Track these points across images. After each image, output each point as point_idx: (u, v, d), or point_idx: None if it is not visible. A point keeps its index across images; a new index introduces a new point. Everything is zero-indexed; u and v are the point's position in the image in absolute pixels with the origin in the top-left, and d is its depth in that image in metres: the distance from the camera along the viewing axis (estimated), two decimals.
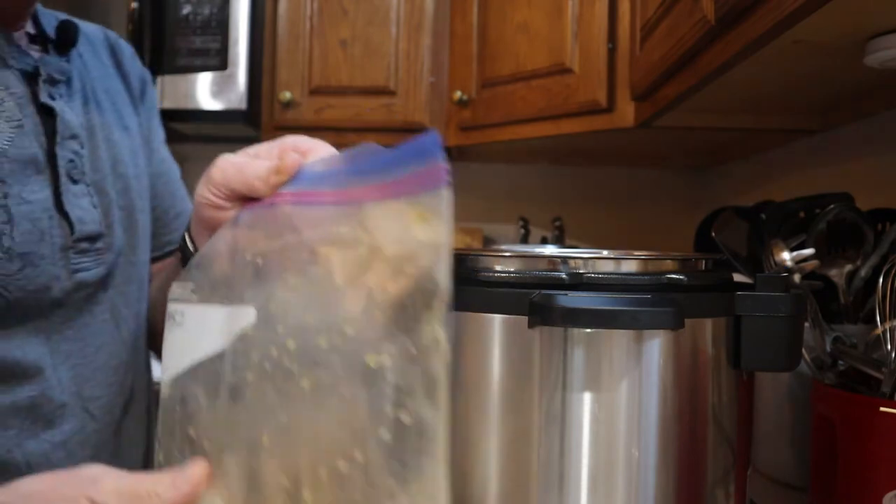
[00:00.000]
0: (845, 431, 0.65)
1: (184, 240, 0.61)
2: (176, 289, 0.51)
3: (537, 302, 0.50)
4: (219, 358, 0.46)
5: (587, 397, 0.51)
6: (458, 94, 1.77)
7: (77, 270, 0.66)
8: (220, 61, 1.77)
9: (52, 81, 0.68)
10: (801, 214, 0.97)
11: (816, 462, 0.71)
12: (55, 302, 0.64)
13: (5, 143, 0.62)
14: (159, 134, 0.86)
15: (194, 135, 2.06)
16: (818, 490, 0.71)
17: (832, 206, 0.88)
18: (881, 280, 0.71)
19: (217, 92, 1.78)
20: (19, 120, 0.64)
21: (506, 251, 0.58)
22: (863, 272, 0.85)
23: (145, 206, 0.77)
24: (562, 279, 0.52)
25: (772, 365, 0.57)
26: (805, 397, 0.79)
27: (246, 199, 0.52)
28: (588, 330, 0.51)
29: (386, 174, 0.44)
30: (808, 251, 0.82)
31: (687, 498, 0.55)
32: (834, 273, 0.87)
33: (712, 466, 0.56)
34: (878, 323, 0.69)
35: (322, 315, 0.43)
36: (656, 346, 0.53)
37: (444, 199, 0.40)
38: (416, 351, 0.39)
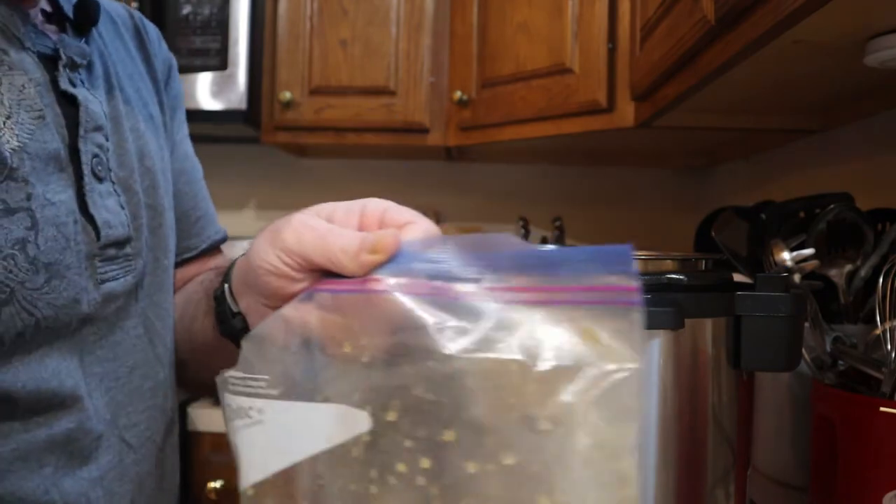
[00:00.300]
0: (845, 431, 0.65)
1: (222, 293, 0.55)
2: (239, 380, 0.44)
3: None
4: (321, 462, 0.40)
5: None
6: (458, 94, 1.77)
7: (104, 280, 0.58)
8: (220, 61, 1.77)
9: (73, 66, 0.61)
10: (801, 214, 0.97)
11: (816, 462, 0.71)
12: (85, 318, 0.56)
13: (26, 136, 0.54)
14: (184, 127, 0.80)
15: (194, 135, 2.06)
16: (818, 490, 0.70)
17: (832, 206, 0.88)
18: (881, 280, 0.71)
19: (217, 92, 1.78)
20: (41, 110, 0.56)
21: None
22: (863, 272, 0.85)
23: (171, 204, 0.71)
24: None
25: (772, 365, 0.57)
26: (805, 397, 0.79)
27: (321, 271, 0.45)
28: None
29: (549, 275, 0.37)
30: (808, 251, 0.82)
31: (687, 498, 0.55)
32: (834, 273, 0.87)
33: (712, 466, 0.56)
34: (878, 323, 0.69)
35: (466, 436, 0.36)
36: (656, 346, 0.53)
37: (636, 321, 0.35)
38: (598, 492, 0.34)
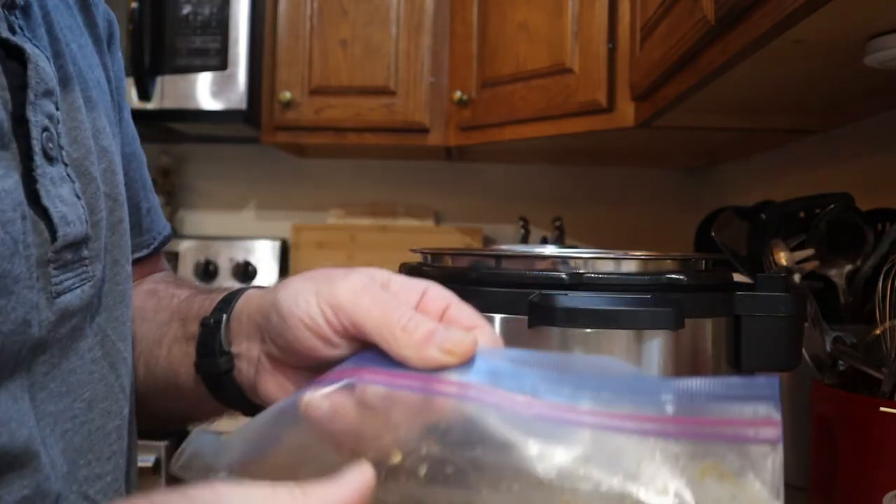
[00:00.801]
0: (845, 431, 0.65)
1: (215, 322, 0.47)
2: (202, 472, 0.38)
3: (537, 302, 0.50)
4: None
5: None
6: (458, 94, 1.77)
7: (59, 293, 0.43)
8: (220, 61, 1.77)
9: (10, 6, 0.45)
10: (801, 214, 0.97)
11: (816, 462, 0.71)
12: (36, 343, 0.41)
13: None
14: (126, 102, 0.63)
15: (194, 135, 2.06)
16: (818, 490, 0.70)
17: (832, 206, 0.88)
18: (881, 280, 0.71)
19: (217, 92, 1.78)
20: None
21: (506, 251, 0.58)
22: (863, 272, 0.85)
23: (124, 193, 0.55)
24: (562, 279, 0.52)
25: (772, 365, 0.57)
26: (805, 397, 0.79)
27: (362, 343, 0.38)
28: (588, 330, 0.51)
29: (652, 402, 0.32)
30: (808, 251, 0.82)
31: None
32: (834, 273, 0.87)
33: None
34: (878, 323, 0.69)
35: None
36: (656, 346, 0.53)
37: (775, 461, 0.31)
38: None
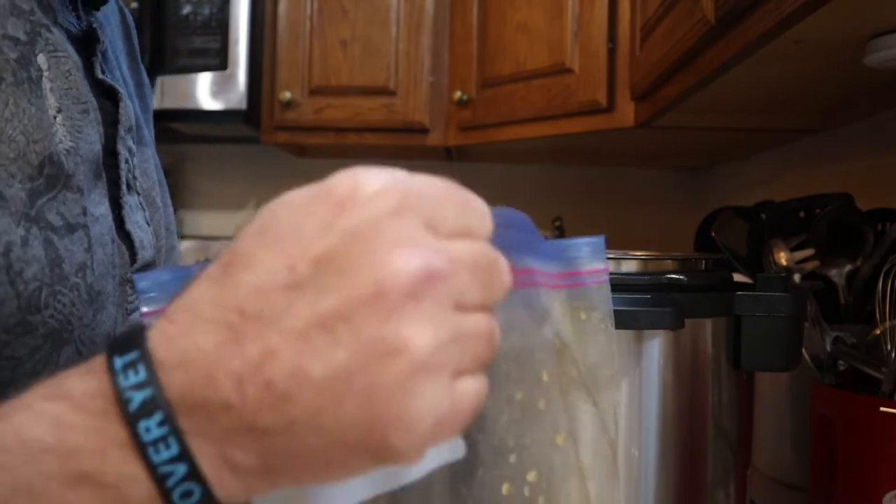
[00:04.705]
0: (845, 431, 0.65)
1: None
2: None
3: None
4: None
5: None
6: (458, 94, 1.77)
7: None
8: (220, 61, 1.77)
9: (104, 51, 0.50)
10: (801, 214, 0.97)
11: (816, 462, 0.71)
12: None
13: (77, 135, 0.44)
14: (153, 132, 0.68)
15: (194, 135, 2.06)
16: (818, 490, 0.70)
17: (832, 206, 0.88)
18: (881, 280, 0.71)
19: (217, 92, 1.78)
20: (85, 103, 0.45)
21: None
22: (863, 272, 0.85)
23: (174, 223, 0.62)
24: None
25: (772, 365, 0.57)
26: (805, 397, 0.79)
27: None
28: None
29: (542, 261, 0.42)
30: (808, 251, 0.82)
31: (687, 498, 0.55)
32: (834, 273, 0.87)
33: (712, 466, 0.56)
34: (878, 323, 0.69)
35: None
36: (656, 346, 0.53)
37: (607, 294, 0.42)
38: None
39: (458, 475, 0.40)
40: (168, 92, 1.77)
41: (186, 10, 1.77)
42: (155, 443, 0.26)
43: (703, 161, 1.95)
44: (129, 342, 0.27)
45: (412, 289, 0.27)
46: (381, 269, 0.27)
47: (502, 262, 0.31)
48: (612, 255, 0.55)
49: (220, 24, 1.77)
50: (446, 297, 0.28)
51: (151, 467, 0.26)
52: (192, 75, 1.76)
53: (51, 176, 0.41)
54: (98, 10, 0.53)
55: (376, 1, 1.85)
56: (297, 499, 0.32)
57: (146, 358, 0.27)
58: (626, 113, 1.40)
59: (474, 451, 0.39)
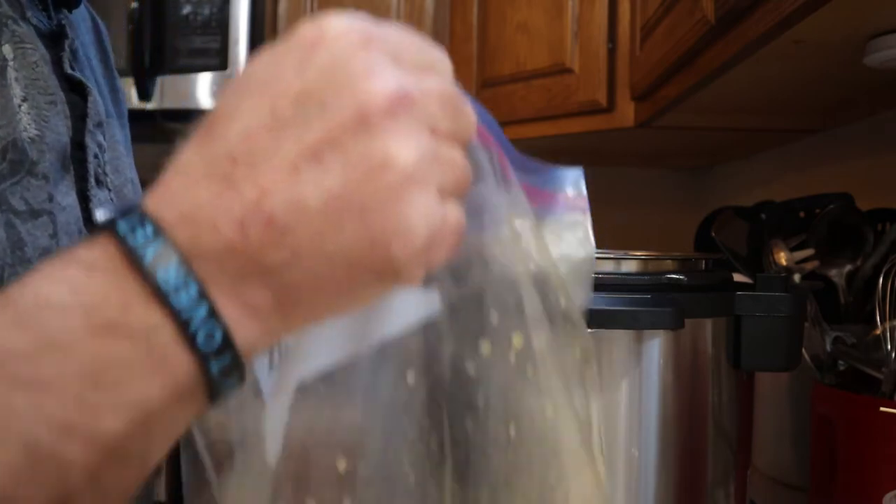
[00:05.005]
0: (845, 431, 0.65)
1: None
2: None
3: None
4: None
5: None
6: None
7: None
8: (220, 61, 1.77)
9: (73, 49, 0.52)
10: (801, 214, 0.97)
11: (816, 462, 0.71)
12: None
13: (43, 124, 0.45)
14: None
15: None
16: (818, 490, 0.71)
17: (832, 206, 0.88)
18: (881, 280, 0.71)
19: (217, 92, 1.78)
20: (52, 94, 0.46)
21: None
22: (863, 272, 0.85)
23: None
24: None
25: (772, 365, 0.57)
26: (805, 397, 0.79)
27: None
28: (588, 330, 0.51)
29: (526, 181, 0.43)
30: (808, 251, 0.82)
31: (687, 498, 0.55)
32: (834, 273, 0.87)
33: (712, 466, 0.56)
34: (878, 323, 0.69)
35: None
36: (656, 346, 0.53)
37: (586, 224, 0.45)
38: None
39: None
40: (168, 92, 1.77)
41: (186, 10, 1.77)
42: (177, 289, 0.27)
43: (703, 161, 1.95)
44: (130, 210, 0.28)
45: (390, 108, 0.28)
46: (360, 95, 0.28)
47: (468, 102, 0.33)
48: (612, 255, 0.55)
49: (220, 24, 1.77)
50: (422, 119, 0.29)
51: (175, 312, 0.27)
52: (192, 75, 1.76)
53: (14, 161, 0.42)
54: (70, 11, 0.54)
55: (376, 1, 1.85)
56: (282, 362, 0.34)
57: (150, 218, 0.28)
58: (626, 113, 1.40)
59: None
